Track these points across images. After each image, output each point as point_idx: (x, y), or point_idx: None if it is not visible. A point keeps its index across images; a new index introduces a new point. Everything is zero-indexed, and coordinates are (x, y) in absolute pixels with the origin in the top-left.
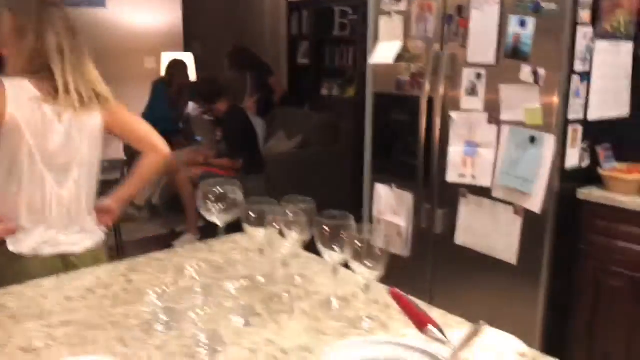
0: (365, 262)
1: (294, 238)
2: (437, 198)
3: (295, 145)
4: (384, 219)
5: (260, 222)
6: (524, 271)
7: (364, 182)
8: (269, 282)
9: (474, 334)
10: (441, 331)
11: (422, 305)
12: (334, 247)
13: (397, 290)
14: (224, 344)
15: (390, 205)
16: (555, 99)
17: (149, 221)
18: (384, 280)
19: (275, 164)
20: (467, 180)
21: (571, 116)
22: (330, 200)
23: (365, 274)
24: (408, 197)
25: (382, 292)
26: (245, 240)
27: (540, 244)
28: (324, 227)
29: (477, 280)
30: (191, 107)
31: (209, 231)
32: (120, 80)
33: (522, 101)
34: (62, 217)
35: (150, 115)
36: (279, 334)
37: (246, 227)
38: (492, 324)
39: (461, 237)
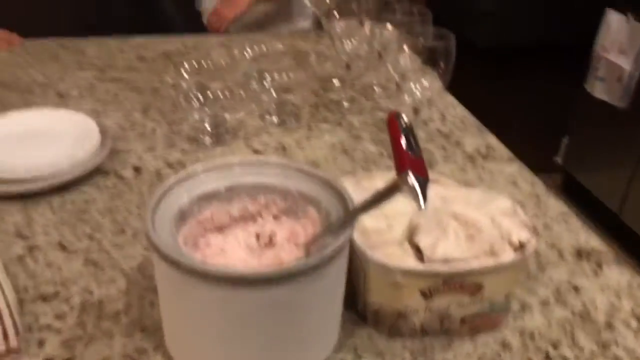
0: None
1: (365, 31)
2: None
3: None
4: (606, 57)
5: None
6: None
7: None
8: (345, 86)
9: (390, 191)
10: (424, 183)
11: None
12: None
13: (397, 114)
14: (236, 137)
15: (619, 42)
16: None
17: None
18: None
19: None
20: None
21: None
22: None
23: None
24: None
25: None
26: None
27: None
28: (388, 24)
29: None
30: None
31: None
32: None
33: None
34: None
35: None
36: (300, 143)
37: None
38: None
39: None
